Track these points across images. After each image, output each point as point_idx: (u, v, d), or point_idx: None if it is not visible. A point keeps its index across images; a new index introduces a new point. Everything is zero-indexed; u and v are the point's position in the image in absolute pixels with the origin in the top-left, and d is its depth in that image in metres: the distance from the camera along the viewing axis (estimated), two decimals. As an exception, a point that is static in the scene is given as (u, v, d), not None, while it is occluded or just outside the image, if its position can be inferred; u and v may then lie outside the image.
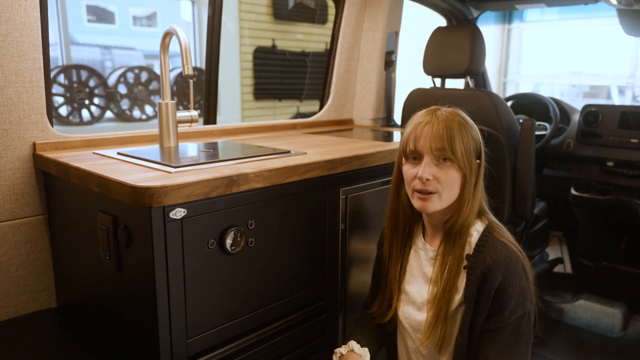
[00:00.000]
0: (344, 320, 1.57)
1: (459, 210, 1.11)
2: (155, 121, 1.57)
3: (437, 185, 1.08)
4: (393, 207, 1.22)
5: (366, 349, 1.24)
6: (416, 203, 1.12)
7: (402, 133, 1.18)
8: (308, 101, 6.36)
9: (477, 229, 1.13)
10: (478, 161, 1.12)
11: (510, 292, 1.05)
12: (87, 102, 6.42)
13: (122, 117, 6.82)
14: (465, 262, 1.11)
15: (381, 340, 1.33)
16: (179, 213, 1.08)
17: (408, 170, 1.12)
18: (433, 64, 2.19)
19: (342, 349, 1.24)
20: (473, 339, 1.11)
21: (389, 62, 2.43)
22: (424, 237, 1.21)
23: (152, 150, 1.47)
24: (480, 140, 1.13)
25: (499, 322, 1.07)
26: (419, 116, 1.13)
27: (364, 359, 1.22)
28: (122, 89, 6.75)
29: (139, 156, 1.33)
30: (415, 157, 1.11)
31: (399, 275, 1.23)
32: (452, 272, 1.11)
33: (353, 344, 1.24)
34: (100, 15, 7.69)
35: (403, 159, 1.15)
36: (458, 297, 1.11)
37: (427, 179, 1.07)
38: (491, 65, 7.34)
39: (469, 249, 1.12)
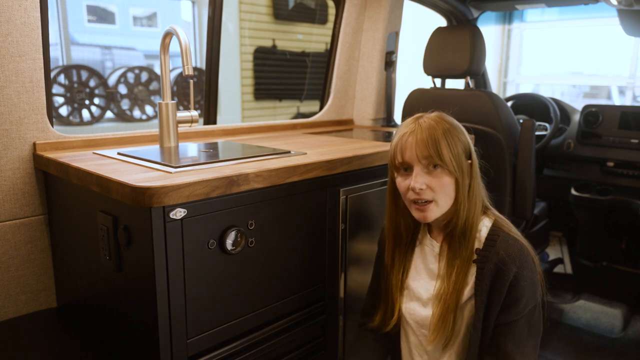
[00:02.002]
0: (344, 321, 1.57)
1: (456, 213, 1.11)
2: (156, 121, 1.57)
3: (432, 193, 1.08)
4: (392, 218, 1.22)
5: None
6: (415, 214, 1.12)
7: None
8: (308, 101, 6.35)
9: (485, 224, 1.14)
10: (469, 161, 1.12)
11: (524, 285, 1.07)
12: (87, 102, 6.42)
13: (123, 117, 6.82)
14: (475, 257, 1.11)
15: (387, 349, 1.33)
16: (179, 213, 1.08)
17: (401, 182, 1.12)
18: (433, 64, 2.19)
19: None
20: (485, 332, 1.11)
21: (389, 63, 2.43)
22: (429, 234, 1.22)
23: (152, 150, 1.47)
24: (469, 141, 1.13)
25: (514, 315, 1.08)
26: (404, 126, 1.12)
27: None
28: (123, 89, 6.75)
29: (139, 156, 1.33)
30: (406, 168, 1.11)
31: (400, 283, 1.23)
32: (462, 268, 1.11)
33: None
34: (101, 16, 7.69)
35: (394, 172, 1.15)
36: (466, 290, 1.11)
37: (421, 189, 1.07)
38: (491, 65, 7.33)
39: (478, 244, 1.12)
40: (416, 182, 1.07)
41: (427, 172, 1.08)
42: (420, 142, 1.06)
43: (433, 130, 1.07)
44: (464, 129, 1.14)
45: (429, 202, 1.09)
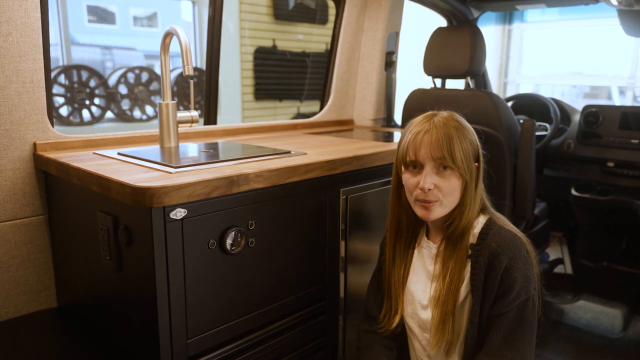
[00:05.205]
0: (344, 321, 1.57)
1: (460, 214, 1.11)
2: (156, 121, 1.57)
3: (439, 194, 1.09)
4: (395, 212, 1.22)
5: None
6: (419, 212, 1.12)
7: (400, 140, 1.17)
8: (308, 101, 6.35)
9: (480, 222, 1.14)
10: (476, 164, 1.13)
11: (515, 276, 1.05)
12: (87, 102, 6.42)
13: (123, 117, 6.82)
14: (469, 252, 1.11)
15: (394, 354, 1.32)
16: (179, 213, 1.08)
17: (409, 179, 1.12)
18: (433, 65, 2.19)
19: None
20: (482, 327, 1.11)
21: (390, 63, 2.43)
22: (427, 236, 1.22)
23: (152, 150, 1.47)
24: (478, 142, 1.14)
25: (503, 307, 1.07)
26: (417, 124, 1.12)
27: None
28: (123, 89, 6.75)
29: (140, 156, 1.33)
30: (415, 165, 1.11)
31: (402, 278, 1.23)
32: (456, 269, 1.11)
33: None
34: (101, 16, 7.70)
35: (402, 168, 1.15)
36: (462, 288, 1.11)
37: (429, 189, 1.08)
38: (491, 65, 7.33)
39: (472, 239, 1.12)
40: (425, 182, 1.08)
41: (437, 172, 1.08)
42: (435, 143, 1.07)
43: (448, 131, 1.07)
44: (473, 131, 1.14)
45: (434, 201, 1.09)
